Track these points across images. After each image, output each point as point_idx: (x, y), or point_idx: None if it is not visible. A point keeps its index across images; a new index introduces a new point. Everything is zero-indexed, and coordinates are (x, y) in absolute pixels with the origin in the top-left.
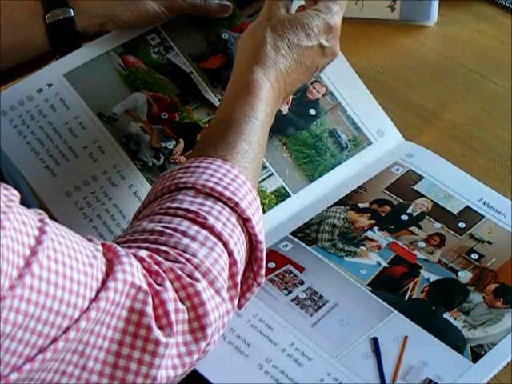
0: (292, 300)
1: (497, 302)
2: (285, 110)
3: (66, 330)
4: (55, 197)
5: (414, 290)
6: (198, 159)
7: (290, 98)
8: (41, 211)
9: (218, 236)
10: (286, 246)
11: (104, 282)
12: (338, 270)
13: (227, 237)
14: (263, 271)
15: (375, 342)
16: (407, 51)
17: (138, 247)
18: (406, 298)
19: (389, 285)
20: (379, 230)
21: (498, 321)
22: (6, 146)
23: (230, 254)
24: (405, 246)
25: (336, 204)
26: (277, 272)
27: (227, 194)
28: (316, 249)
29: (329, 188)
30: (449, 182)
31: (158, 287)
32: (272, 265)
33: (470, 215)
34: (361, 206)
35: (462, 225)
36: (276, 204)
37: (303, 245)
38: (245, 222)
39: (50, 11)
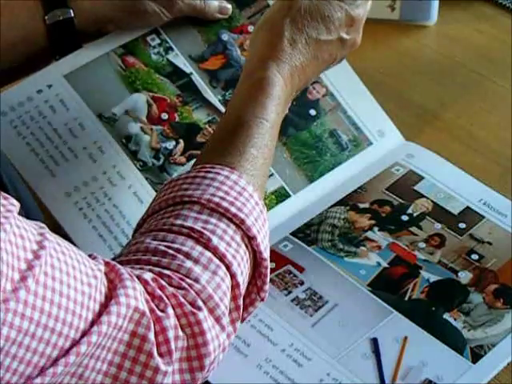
0: (292, 300)
1: (497, 303)
2: None
3: (67, 353)
4: (55, 197)
5: (414, 290)
6: (205, 168)
7: None
8: (43, 225)
9: (222, 258)
10: (286, 246)
11: (106, 306)
12: (338, 270)
13: (230, 258)
14: (267, 287)
15: (375, 342)
16: (407, 51)
17: (141, 269)
18: (406, 298)
19: (389, 285)
20: (379, 230)
21: (498, 321)
22: (6, 147)
23: (233, 276)
24: (405, 247)
25: (336, 204)
26: (277, 272)
27: (233, 210)
28: (316, 249)
29: (329, 188)
30: (449, 183)
31: (160, 313)
32: (272, 265)
33: (470, 216)
34: (361, 206)
35: (462, 225)
36: (276, 204)
37: (303, 245)
38: (250, 239)
39: (50, 12)
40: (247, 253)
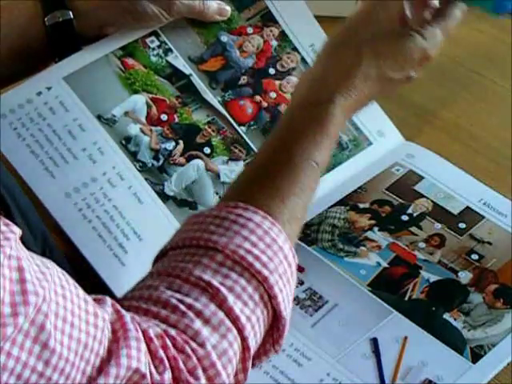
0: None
1: (497, 303)
2: (283, 110)
3: None
4: (54, 198)
5: (413, 290)
6: (238, 208)
7: (288, 97)
8: (49, 263)
9: (235, 320)
10: None
11: (104, 362)
12: (338, 270)
13: (244, 322)
14: (282, 341)
15: (375, 342)
16: None
17: (148, 321)
18: (406, 298)
19: (389, 285)
20: (379, 230)
21: (498, 321)
22: (6, 149)
23: (244, 339)
24: (405, 247)
25: (336, 204)
26: None
27: (257, 266)
28: (316, 249)
29: (329, 188)
30: (449, 183)
31: (156, 377)
32: None
33: (470, 216)
34: (361, 206)
35: (462, 225)
36: None
37: (303, 245)
38: (270, 298)
39: (50, 13)
40: (265, 311)
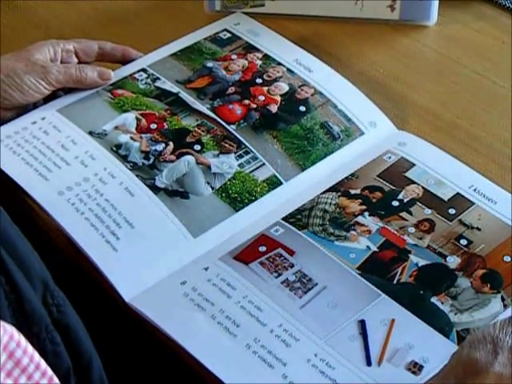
0: (282, 282)
1: (484, 288)
2: (274, 109)
3: None
4: (47, 196)
5: (402, 274)
6: None
7: (279, 98)
8: None
9: None
10: (277, 230)
11: None
12: (328, 253)
13: None
14: None
15: (362, 324)
16: (407, 51)
17: None
18: (395, 281)
19: (378, 269)
20: (370, 215)
21: (485, 306)
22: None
23: None
24: (395, 231)
25: (328, 190)
26: (267, 255)
27: None
28: (307, 233)
29: (321, 176)
30: (440, 170)
31: None
32: (263, 248)
33: (460, 202)
34: (352, 192)
35: (452, 211)
36: (268, 191)
37: (294, 229)
38: None
39: None
40: None
